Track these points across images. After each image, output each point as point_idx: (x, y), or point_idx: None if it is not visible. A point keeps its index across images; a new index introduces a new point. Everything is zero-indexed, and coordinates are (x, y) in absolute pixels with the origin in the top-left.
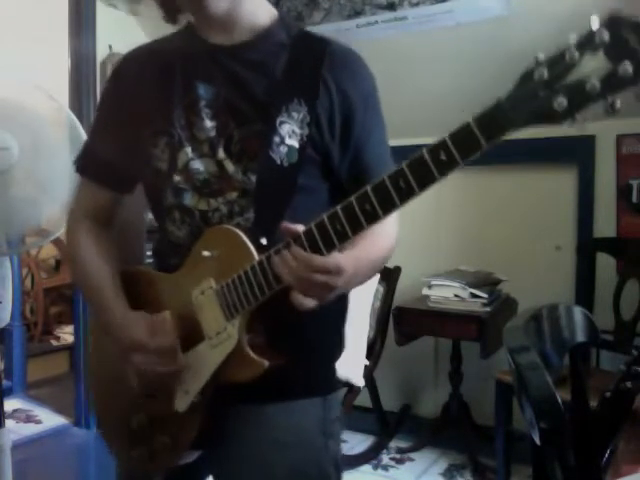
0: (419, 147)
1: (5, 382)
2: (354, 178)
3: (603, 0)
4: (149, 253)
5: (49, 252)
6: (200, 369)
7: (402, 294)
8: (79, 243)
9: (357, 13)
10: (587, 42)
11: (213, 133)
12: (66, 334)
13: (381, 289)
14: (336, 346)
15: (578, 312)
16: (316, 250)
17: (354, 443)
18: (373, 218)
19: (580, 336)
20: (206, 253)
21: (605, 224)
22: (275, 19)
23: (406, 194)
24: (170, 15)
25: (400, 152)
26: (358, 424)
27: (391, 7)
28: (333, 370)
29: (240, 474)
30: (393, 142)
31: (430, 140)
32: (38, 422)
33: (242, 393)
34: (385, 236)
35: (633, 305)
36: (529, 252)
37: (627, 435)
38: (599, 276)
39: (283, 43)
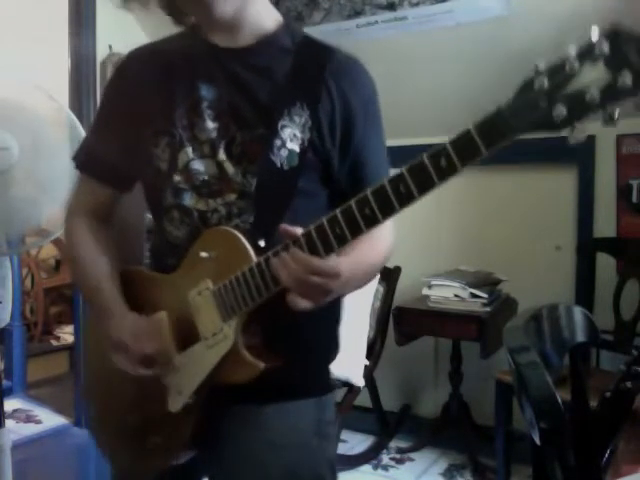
0: (419, 147)
1: (5, 382)
2: (353, 183)
3: (603, 0)
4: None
5: (49, 252)
6: (195, 370)
7: (402, 294)
8: (78, 239)
9: (357, 13)
10: (587, 53)
11: (214, 134)
12: (66, 334)
13: (381, 289)
14: (331, 348)
15: (578, 312)
16: (314, 253)
17: (354, 443)
18: (372, 222)
19: (580, 336)
20: (204, 254)
21: (605, 224)
22: (280, 24)
23: (406, 199)
24: (176, 18)
25: (400, 152)
26: (358, 424)
27: (391, 7)
28: (328, 371)
29: (235, 475)
30: (393, 142)
31: (430, 140)
32: (38, 422)
33: (237, 394)
34: (383, 241)
35: (633, 305)
36: (529, 252)
37: (627, 435)
38: (599, 276)
39: (287, 49)
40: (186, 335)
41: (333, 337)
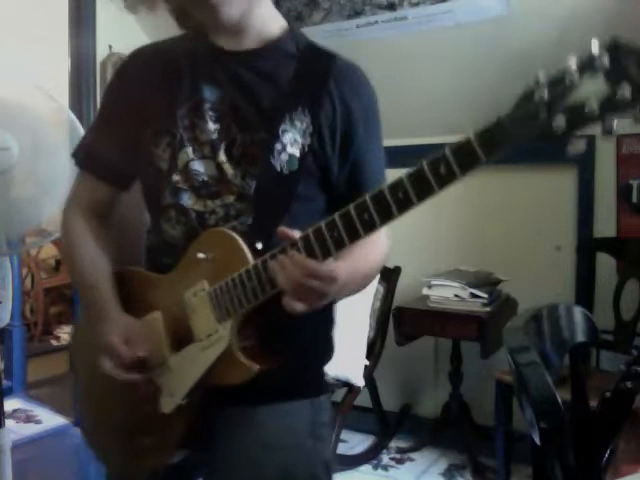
0: (419, 147)
1: (5, 382)
2: (351, 189)
3: (602, 1)
4: None
5: (49, 252)
6: (188, 371)
7: (402, 294)
8: (75, 235)
9: (357, 13)
10: (587, 65)
11: (215, 136)
12: (66, 334)
13: (381, 289)
14: (326, 349)
15: (578, 312)
16: (312, 256)
17: (354, 443)
18: (371, 227)
19: (580, 336)
20: (201, 255)
21: (605, 224)
22: (285, 30)
23: (404, 205)
24: (181, 21)
25: (400, 152)
26: (358, 424)
27: (391, 7)
28: (322, 373)
29: (230, 476)
30: (393, 142)
31: (430, 140)
32: (38, 422)
33: (231, 395)
34: (379, 247)
35: (633, 305)
36: (529, 252)
37: (627, 435)
38: (599, 276)
39: (291, 54)
40: (180, 336)
41: (327, 339)
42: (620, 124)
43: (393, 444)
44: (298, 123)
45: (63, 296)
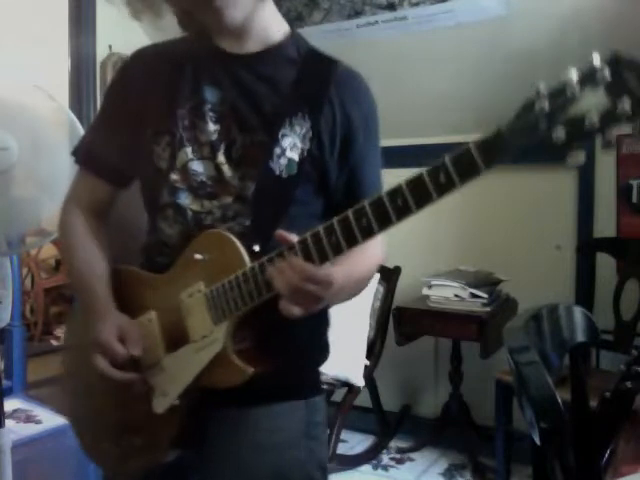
0: (419, 147)
1: (5, 382)
2: (348, 195)
3: (602, 1)
4: None
5: (49, 252)
6: (182, 372)
7: (402, 294)
8: (73, 232)
9: (357, 13)
10: (588, 78)
11: (215, 137)
12: None
13: (381, 289)
14: (320, 351)
15: (578, 312)
16: (309, 260)
17: (354, 443)
18: (369, 233)
19: (580, 336)
20: (198, 256)
21: (605, 224)
22: (287, 35)
23: (403, 212)
24: (184, 22)
25: (400, 152)
26: (358, 424)
27: (391, 7)
28: (317, 374)
29: (224, 477)
30: (393, 142)
31: (430, 140)
32: (38, 422)
33: (225, 397)
34: (374, 254)
35: (633, 305)
36: (529, 252)
37: (627, 435)
38: (599, 276)
39: (293, 59)
40: (176, 336)
41: (322, 340)
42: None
43: (393, 444)
44: (298, 128)
45: (63, 296)
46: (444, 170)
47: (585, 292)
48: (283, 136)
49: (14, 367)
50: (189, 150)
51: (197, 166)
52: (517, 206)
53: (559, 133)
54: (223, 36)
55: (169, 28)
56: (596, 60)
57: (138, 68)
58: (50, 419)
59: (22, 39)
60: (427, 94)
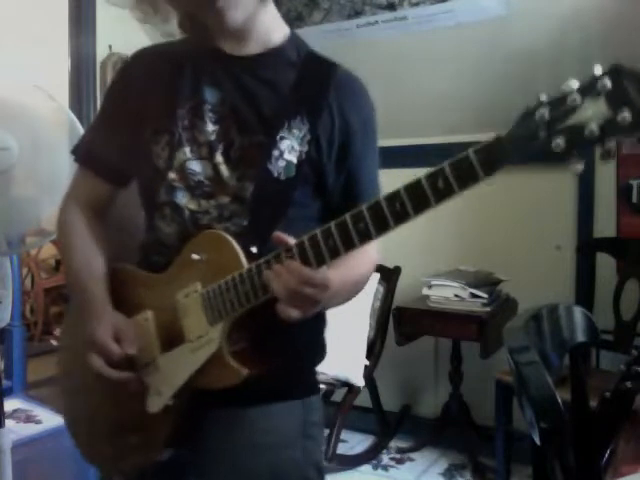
0: (419, 147)
1: (5, 382)
2: (345, 199)
3: (602, 1)
4: None
5: (49, 252)
6: (176, 372)
7: (402, 294)
8: (72, 232)
9: (357, 13)
10: (589, 88)
11: (213, 137)
12: None
13: (381, 289)
14: (317, 350)
15: (578, 312)
16: (306, 263)
17: (354, 443)
18: (366, 237)
19: (580, 336)
20: (195, 256)
21: (605, 224)
22: (287, 37)
23: (401, 217)
24: (185, 24)
25: (400, 152)
26: (358, 424)
27: (391, 7)
28: (314, 373)
29: (220, 477)
30: (393, 142)
31: (430, 140)
32: (38, 422)
33: (221, 397)
34: (369, 258)
35: (633, 305)
36: (529, 252)
37: (627, 435)
38: (599, 276)
39: (292, 62)
40: (171, 336)
41: (319, 339)
42: None
43: (393, 444)
44: (296, 131)
45: (63, 296)
46: (443, 176)
47: (585, 292)
48: (281, 138)
49: (14, 367)
50: (187, 150)
51: (195, 166)
52: (517, 206)
53: (558, 141)
54: (224, 38)
55: (168, 27)
56: (597, 70)
57: (139, 68)
58: (50, 419)
59: (22, 39)
60: (427, 94)
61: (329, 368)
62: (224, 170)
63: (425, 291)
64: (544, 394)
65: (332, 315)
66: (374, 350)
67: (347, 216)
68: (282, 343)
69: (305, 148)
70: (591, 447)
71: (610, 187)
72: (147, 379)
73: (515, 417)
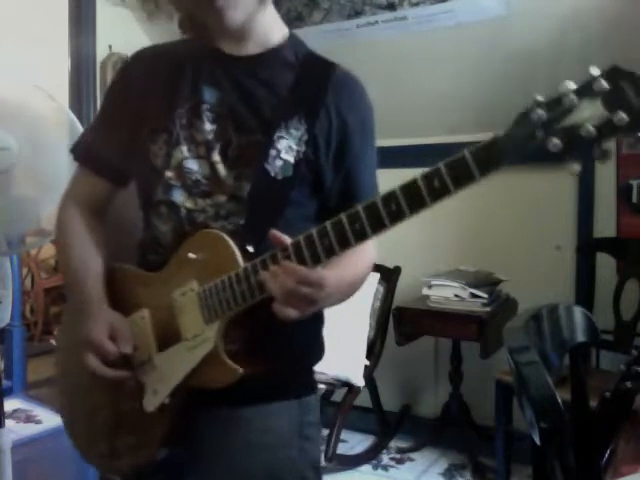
0: (419, 147)
1: (5, 382)
2: (342, 200)
3: (602, 1)
4: None
5: (49, 252)
6: (173, 371)
7: (402, 294)
8: (70, 231)
9: (357, 13)
10: (586, 89)
11: (211, 136)
12: None
13: (381, 289)
14: (314, 350)
15: (578, 312)
16: (302, 263)
17: (354, 443)
18: (362, 237)
19: (580, 336)
20: (192, 255)
21: (605, 224)
22: (286, 38)
23: (396, 217)
24: (185, 24)
25: (400, 152)
26: (358, 424)
27: (391, 7)
28: (311, 373)
29: (216, 476)
30: (393, 142)
31: (430, 140)
32: (38, 422)
33: (217, 396)
34: (366, 258)
35: (633, 305)
36: (529, 252)
37: (627, 435)
38: (599, 276)
39: (291, 63)
40: (168, 335)
41: (316, 339)
42: None
43: (393, 444)
44: (294, 131)
45: (63, 296)
46: (439, 177)
47: (585, 292)
48: (279, 138)
49: (14, 367)
50: (185, 148)
51: (192, 164)
52: (517, 206)
53: (555, 142)
54: (223, 38)
55: (169, 27)
56: (594, 71)
57: (138, 68)
58: (50, 419)
59: (22, 39)
60: (427, 94)
61: (329, 368)
62: (221, 169)
63: (425, 291)
64: (544, 394)
65: (332, 315)
66: (374, 350)
67: (343, 216)
68: (278, 342)
69: (302, 148)
70: (591, 447)
71: (610, 187)
72: (143, 378)
73: (515, 417)
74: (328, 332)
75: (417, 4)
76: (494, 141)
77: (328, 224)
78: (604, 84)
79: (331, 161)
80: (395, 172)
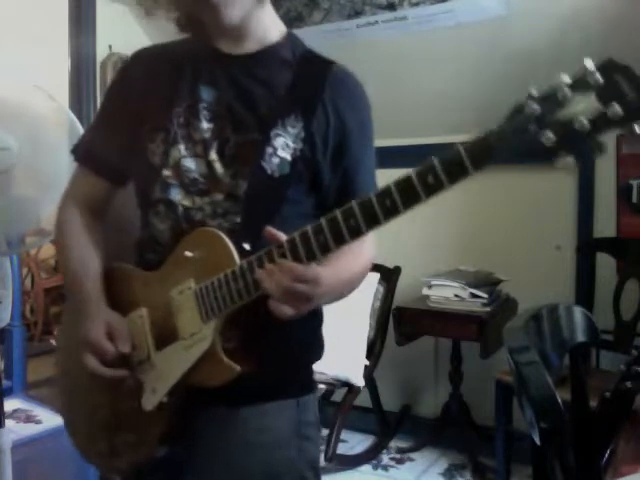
0: (419, 147)
1: (5, 382)
2: (341, 199)
3: (602, 1)
4: None
5: (49, 252)
6: (171, 369)
7: (402, 294)
8: (69, 230)
9: (357, 13)
10: (580, 82)
11: (208, 135)
12: None
13: (381, 289)
14: (312, 348)
15: (578, 312)
16: (297, 260)
17: (354, 443)
18: (356, 233)
19: (580, 336)
20: (188, 253)
21: (605, 224)
22: (284, 36)
23: (391, 212)
24: (182, 23)
25: (400, 152)
26: (358, 424)
27: (391, 7)
28: (309, 372)
29: (214, 475)
30: (393, 142)
31: (430, 140)
32: (38, 422)
33: (215, 395)
34: (364, 255)
35: (633, 305)
36: (529, 252)
37: (627, 435)
38: (599, 276)
39: (288, 61)
40: (165, 334)
41: (314, 338)
42: None
43: (393, 444)
44: (290, 128)
45: (63, 296)
46: (432, 172)
47: (585, 292)
48: (276, 136)
49: (14, 367)
50: (182, 147)
51: (189, 163)
52: (517, 206)
53: (548, 136)
54: (221, 37)
55: (169, 27)
56: (588, 65)
57: (138, 68)
58: (50, 419)
59: (22, 39)
60: (427, 94)
61: (329, 368)
62: (218, 167)
63: (425, 291)
64: (544, 394)
65: (332, 315)
66: (374, 350)
67: (338, 212)
68: (276, 340)
69: (299, 146)
70: (591, 447)
71: (610, 187)
72: (142, 377)
73: (515, 417)
74: (328, 332)
75: (417, 4)
76: (487, 136)
77: (323, 220)
78: (598, 77)
79: (329, 160)
80: (395, 172)
